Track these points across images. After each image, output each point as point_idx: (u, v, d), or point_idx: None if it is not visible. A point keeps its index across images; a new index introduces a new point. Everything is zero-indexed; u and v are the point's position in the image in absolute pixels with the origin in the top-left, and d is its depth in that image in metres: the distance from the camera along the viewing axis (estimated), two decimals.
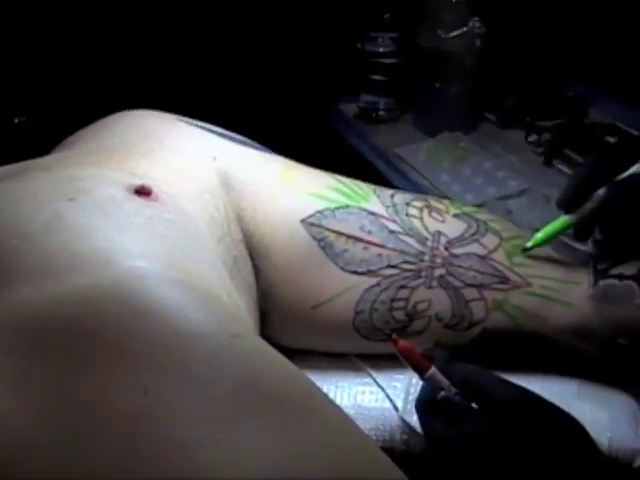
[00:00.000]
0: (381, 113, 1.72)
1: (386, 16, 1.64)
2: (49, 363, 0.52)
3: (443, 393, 0.67)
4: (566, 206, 0.80)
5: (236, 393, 0.52)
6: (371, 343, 0.83)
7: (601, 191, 0.78)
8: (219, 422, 0.50)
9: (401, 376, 0.84)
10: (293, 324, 0.84)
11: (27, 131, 1.46)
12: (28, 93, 1.50)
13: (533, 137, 1.56)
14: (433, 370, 0.68)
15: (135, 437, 0.48)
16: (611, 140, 1.48)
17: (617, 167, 0.78)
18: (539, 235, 0.81)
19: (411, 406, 0.81)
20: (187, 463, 0.47)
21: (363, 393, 0.84)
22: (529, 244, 0.81)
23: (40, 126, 1.45)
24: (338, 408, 0.61)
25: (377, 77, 1.68)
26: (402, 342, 0.68)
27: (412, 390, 0.83)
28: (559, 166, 1.48)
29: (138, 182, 0.70)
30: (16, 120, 1.46)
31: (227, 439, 0.49)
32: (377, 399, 0.83)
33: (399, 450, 0.80)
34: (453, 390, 0.67)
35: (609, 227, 0.81)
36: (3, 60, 1.42)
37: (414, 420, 0.80)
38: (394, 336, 0.69)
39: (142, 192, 0.69)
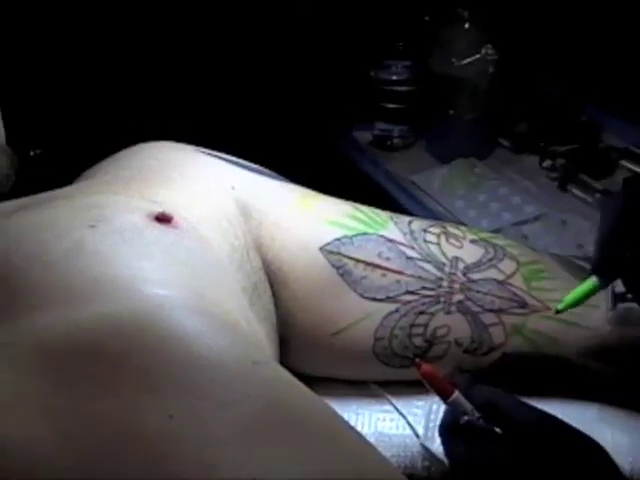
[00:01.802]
0: (395, 140, 1.73)
1: (399, 44, 1.66)
2: (75, 387, 0.53)
3: (466, 417, 0.67)
4: (598, 271, 0.76)
5: (259, 417, 0.53)
6: (391, 369, 0.83)
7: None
8: (244, 444, 0.50)
9: (421, 402, 0.84)
10: (313, 351, 0.84)
11: (43, 164, 1.47)
12: (43, 126, 1.51)
13: (547, 162, 1.56)
14: (456, 394, 0.68)
15: (161, 459, 0.49)
16: (627, 165, 1.48)
17: None
18: (569, 297, 0.77)
19: (432, 433, 0.81)
20: None
21: (384, 420, 0.84)
22: (560, 307, 0.78)
23: (56, 159, 1.46)
24: (359, 433, 0.61)
25: (391, 105, 1.70)
26: (425, 366, 0.68)
27: (433, 417, 0.82)
28: (574, 191, 1.49)
29: (159, 209, 0.71)
30: (32, 153, 1.47)
31: (252, 462, 0.49)
32: (398, 426, 0.83)
33: (420, 477, 0.80)
34: (476, 414, 0.67)
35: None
36: (18, 94, 1.43)
37: (435, 447, 0.79)
38: (417, 360, 0.69)
39: (163, 219, 0.70)
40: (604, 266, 0.76)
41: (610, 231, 0.76)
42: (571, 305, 0.78)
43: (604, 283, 0.77)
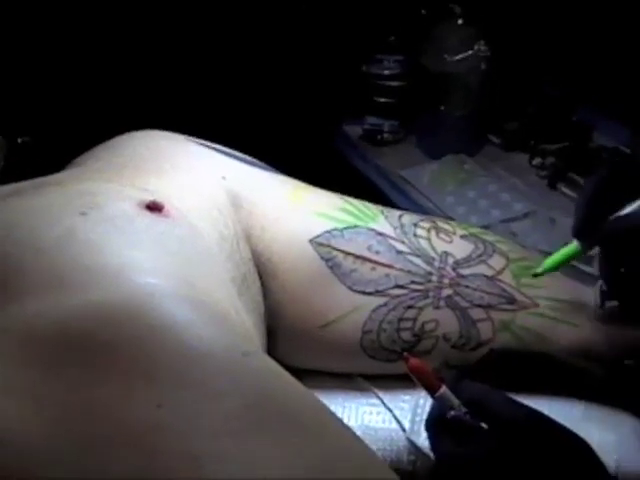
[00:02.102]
0: (385, 135, 1.73)
1: (391, 39, 1.66)
2: (65, 375, 0.52)
3: (453, 412, 0.67)
4: (579, 235, 0.78)
5: (249, 408, 0.53)
6: (378, 363, 0.83)
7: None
8: (233, 436, 0.50)
9: (408, 397, 0.84)
10: (300, 343, 0.84)
11: (31, 151, 1.47)
12: (31, 113, 1.50)
13: (537, 160, 1.57)
14: (444, 389, 0.68)
15: (150, 449, 0.48)
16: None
17: (625, 192, 0.76)
18: (549, 261, 0.79)
19: (418, 427, 0.81)
20: (202, 476, 0.47)
21: (370, 414, 0.84)
22: (540, 270, 0.79)
23: (44, 146, 1.45)
24: (348, 427, 0.61)
25: (382, 99, 1.70)
26: (413, 360, 0.68)
27: (419, 411, 0.82)
28: (563, 189, 1.49)
29: (150, 197, 0.71)
30: (19, 140, 1.46)
31: (242, 453, 0.49)
32: (384, 420, 0.83)
33: (406, 471, 0.80)
34: (463, 409, 0.67)
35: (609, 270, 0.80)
36: (6, 81, 1.43)
37: (421, 441, 0.79)
38: (406, 354, 0.69)
39: (154, 207, 0.70)
40: (585, 230, 0.77)
41: (593, 195, 0.77)
42: (551, 269, 0.79)
43: (585, 248, 0.78)
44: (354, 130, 1.78)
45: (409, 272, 0.82)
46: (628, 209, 0.74)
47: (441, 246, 0.84)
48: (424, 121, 1.68)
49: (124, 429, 0.49)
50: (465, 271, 0.83)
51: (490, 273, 0.83)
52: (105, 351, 0.54)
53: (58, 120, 1.54)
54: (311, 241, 0.82)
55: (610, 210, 0.75)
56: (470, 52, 1.53)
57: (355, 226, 0.83)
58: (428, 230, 0.85)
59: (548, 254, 0.88)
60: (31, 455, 0.48)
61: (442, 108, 1.61)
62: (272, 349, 0.83)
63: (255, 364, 0.59)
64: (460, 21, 1.54)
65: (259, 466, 0.49)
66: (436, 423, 0.69)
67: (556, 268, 0.79)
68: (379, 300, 0.81)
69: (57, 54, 1.52)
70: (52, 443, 0.49)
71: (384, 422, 0.83)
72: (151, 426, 0.50)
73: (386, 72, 1.68)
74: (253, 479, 0.48)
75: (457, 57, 1.54)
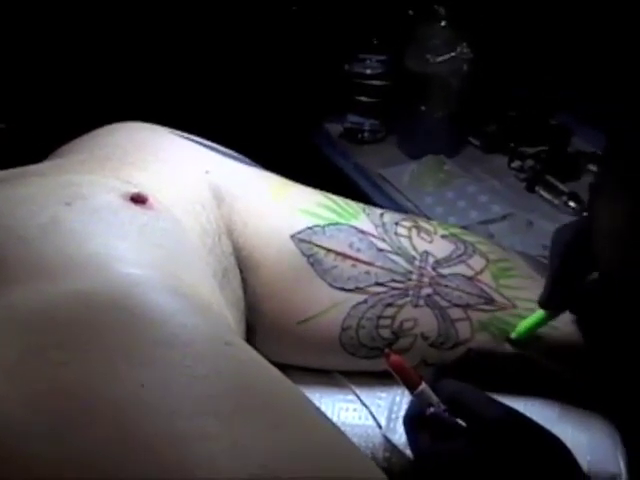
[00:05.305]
0: (366, 134, 1.73)
1: (374, 39, 1.66)
2: (43, 355, 0.53)
3: (432, 409, 0.68)
4: (546, 307, 0.80)
5: (232, 392, 0.53)
6: (357, 360, 0.84)
7: None
8: (216, 417, 0.51)
9: (384, 394, 0.85)
10: (279, 339, 0.84)
11: (6, 138, 1.46)
12: (8, 100, 1.49)
13: (516, 163, 1.58)
14: (424, 386, 0.68)
15: (129, 426, 0.49)
16: (593, 170, 1.50)
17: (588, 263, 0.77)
18: (520, 328, 0.82)
19: (394, 424, 0.81)
20: (185, 455, 0.47)
21: (346, 410, 0.84)
22: (514, 336, 0.82)
23: (20, 133, 1.45)
24: (328, 418, 0.62)
25: (363, 98, 1.70)
26: (394, 357, 0.69)
27: (395, 408, 0.83)
28: (541, 192, 1.50)
29: (134, 190, 0.71)
30: None
31: (227, 434, 0.49)
32: (360, 416, 0.83)
33: (381, 467, 0.80)
34: (442, 407, 0.68)
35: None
36: None
37: (397, 438, 0.80)
38: (387, 350, 0.70)
39: (138, 200, 0.70)
40: (550, 301, 0.79)
41: (556, 270, 0.79)
42: (524, 334, 0.81)
43: (552, 315, 0.80)
44: (335, 128, 1.78)
45: (389, 270, 0.82)
46: (592, 276, 0.77)
47: (422, 245, 0.84)
48: (405, 121, 1.68)
49: (106, 405, 0.50)
50: (445, 271, 0.83)
51: (470, 273, 0.84)
52: (88, 334, 0.54)
53: (34, 108, 1.53)
54: (292, 237, 0.82)
55: (574, 279, 0.78)
56: (453, 54, 1.54)
57: (337, 223, 0.84)
58: (409, 229, 0.85)
59: (527, 255, 0.89)
60: (12, 429, 0.48)
61: (423, 109, 1.61)
62: (251, 344, 0.83)
63: (237, 353, 0.60)
64: (443, 23, 1.55)
65: (244, 448, 0.49)
66: (414, 420, 0.70)
67: (528, 333, 0.82)
68: (359, 297, 0.82)
69: (35, 41, 1.51)
70: (29, 417, 0.49)
71: (360, 419, 0.83)
72: (133, 404, 0.50)
73: (368, 71, 1.68)
74: (238, 460, 0.48)
75: (439, 59, 1.54)
